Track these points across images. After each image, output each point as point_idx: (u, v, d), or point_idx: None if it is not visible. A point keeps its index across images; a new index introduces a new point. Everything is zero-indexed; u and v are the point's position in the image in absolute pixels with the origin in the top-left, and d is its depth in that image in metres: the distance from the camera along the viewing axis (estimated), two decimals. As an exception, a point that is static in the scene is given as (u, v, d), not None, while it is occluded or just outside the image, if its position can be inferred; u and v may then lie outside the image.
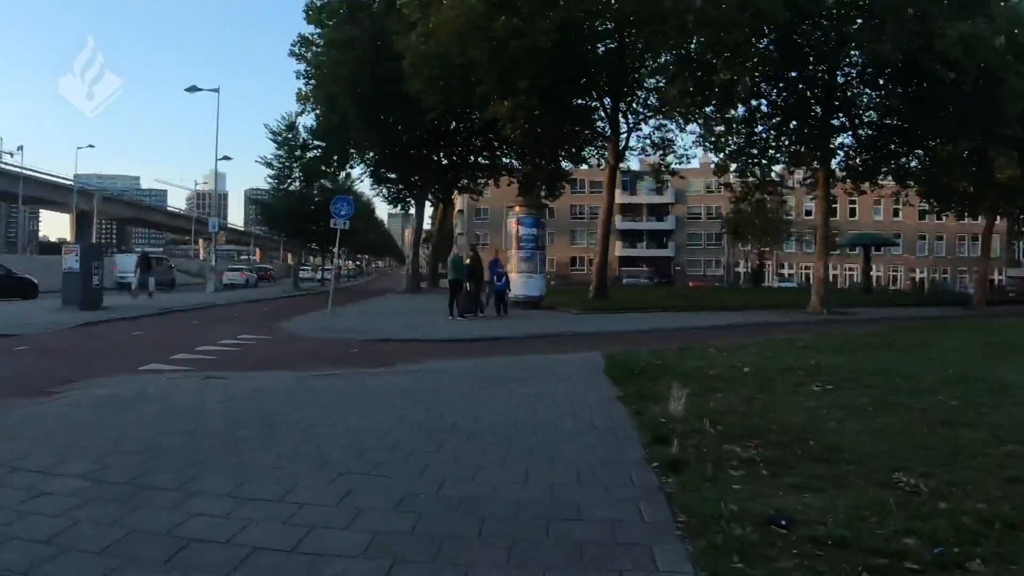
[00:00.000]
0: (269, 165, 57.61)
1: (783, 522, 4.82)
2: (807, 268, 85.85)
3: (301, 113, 54.47)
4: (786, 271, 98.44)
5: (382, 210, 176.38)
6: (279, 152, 57.52)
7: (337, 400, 9.30)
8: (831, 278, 43.57)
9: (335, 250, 35.68)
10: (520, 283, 31.98)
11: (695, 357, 13.85)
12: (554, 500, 5.44)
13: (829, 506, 5.16)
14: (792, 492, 5.52)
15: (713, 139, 37.71)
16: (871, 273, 74.87)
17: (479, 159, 54.99)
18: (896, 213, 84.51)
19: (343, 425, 7.83)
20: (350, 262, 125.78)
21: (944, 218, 71.89)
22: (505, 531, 4.77)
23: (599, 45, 38.05)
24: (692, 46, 34.10)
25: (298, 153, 57.40)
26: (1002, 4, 37.64)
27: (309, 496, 5.38)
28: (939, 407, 8.95)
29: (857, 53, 33.91)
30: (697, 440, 7.02)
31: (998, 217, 55.09)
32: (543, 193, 45.67)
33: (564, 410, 8.86)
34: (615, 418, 8.43)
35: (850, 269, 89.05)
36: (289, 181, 58.48)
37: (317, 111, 52.34)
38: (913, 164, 41.68)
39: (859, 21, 32.35)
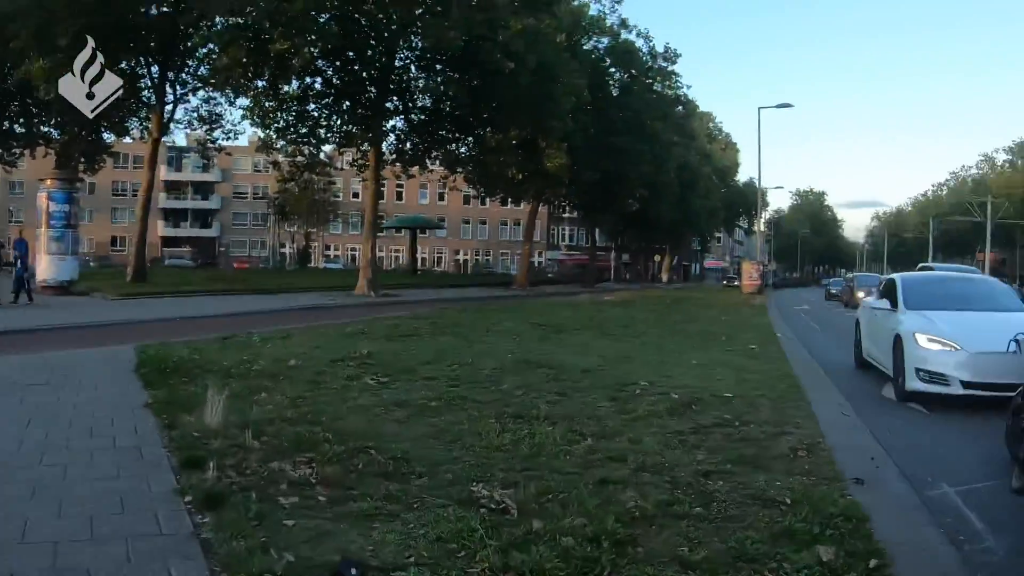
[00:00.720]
0: None
1: (354, 572, 3.84)
2: (354, 249, 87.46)
3: None
4: (332, 252, 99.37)
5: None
6: None
7: None
8: (378, 259, 44.00)
9: None
10: (50, 266, 28.39)
11: (238, 349, 12.39)
12: (58, 568, 3.87)
13: (406, 540, 4.30)
14: (359, 523, 4.56)
15: (262, 114, 36.07)
16: (417, 255, 77.96)
17: (14, 126, 48.30)
18: (442, 197, 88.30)
19: None
20: None
21: (488, 203, 76.40)
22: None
23: (151, 5, 34.83)
24: (251, 12, 32.03)
25: None
26: (565, 5, 40.25)
27: None
28: (506, 398, 8.54)
29: (418, 38, 34.06)
30: (238, 459, 5.69)
31: (542, 203, 59.19)
32: (82, 166, 41.79)
33: (82, 425, 6.98)
34: (142, 433, 6.76)
35: (396, 251, 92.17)
36: None
37: None
38: (463, 150, 43.32)
39: (427, 3, 32.42)
